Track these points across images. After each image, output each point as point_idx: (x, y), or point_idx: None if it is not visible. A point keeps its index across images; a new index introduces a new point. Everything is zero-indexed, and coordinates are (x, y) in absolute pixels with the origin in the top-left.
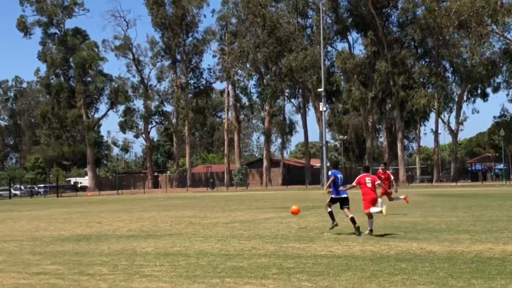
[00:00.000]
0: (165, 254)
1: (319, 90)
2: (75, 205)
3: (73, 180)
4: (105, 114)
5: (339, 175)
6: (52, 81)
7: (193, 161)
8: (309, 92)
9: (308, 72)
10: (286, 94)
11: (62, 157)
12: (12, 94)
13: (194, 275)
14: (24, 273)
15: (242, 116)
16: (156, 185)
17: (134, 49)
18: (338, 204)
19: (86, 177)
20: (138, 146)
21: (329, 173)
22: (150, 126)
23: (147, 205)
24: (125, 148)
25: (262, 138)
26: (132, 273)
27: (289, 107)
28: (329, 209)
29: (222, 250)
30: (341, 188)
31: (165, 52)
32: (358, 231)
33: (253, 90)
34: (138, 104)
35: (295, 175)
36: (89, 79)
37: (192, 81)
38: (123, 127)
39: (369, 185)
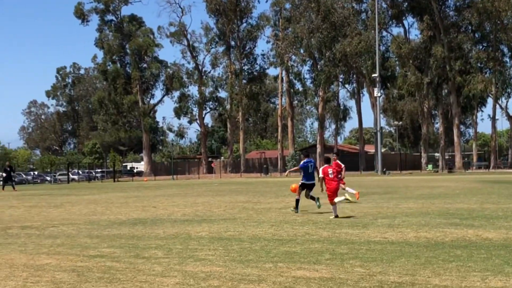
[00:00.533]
0: (219, 239)
1: (373, 75)
2: (131, 189)
3: (129, 165)
4: (161, 100)
5: (311, 164)
6: (108, 67)
7: (246, 147)
8: (364, 78)
9: (363, 57)
10: (340, 80)
11: (118, 143)
12: (70, 81)
13: (247, 259)
14: (82, 256)
15: (295, 102)
16: (210, 170)
17: (188, 36)
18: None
19: (142, 162)
20: (192, 132)
21: (302, 162)
22: (204, 112)
23: (201, 190)
24: (180, 134)
25: (316, 124)
26: (186, 257)
27: (343, 93)
28: (298, 197)
29: (275, 235)
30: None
31: (219, 38)
32: (296, 209)
33: (307, 76)
34: (193, 90)
35: (349, 161)
36: (144, 65)
37: (246, 67)
38: (178, 113)
39: (331, 176)
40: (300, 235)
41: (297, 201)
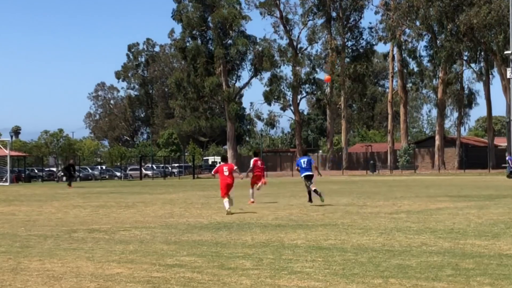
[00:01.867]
0: (317, 248)
1: (506, 52)
2: (213, 188)
3: (211, 159)
4: (248, 83)
5: (303, 159)
6: (188, 44)
7: (349, 138)
8: (494, 56)
9: (493, 31)
10: (465, 58)
11: (198, 132)
12: (143, 59)
13: (351, 273)
14: (157, 265)
15: (409, 85)
16: None
17: (281, 6)
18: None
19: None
20: (285, 121)
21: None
22: (299, 96)
23: (296, 190)
24: (271, 123)
25: (434, 112)
26: (279, 269)
27: (468, 74)
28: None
29: (385, 245)
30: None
31: (318, 8)
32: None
33: (424, 53)
34: (286, 70)
35: (475, 157)
36: (229, 41)
37: (349, 43)
38: (269, 97)
39: (226, 173)
40: (415, 245)
41: (309, 192)
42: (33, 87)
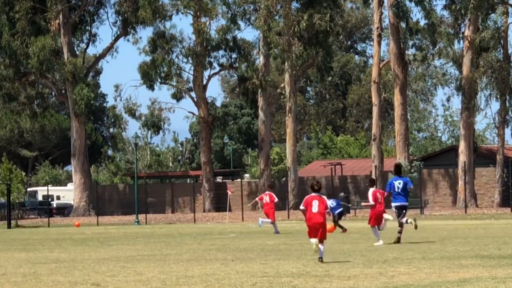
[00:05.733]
0: None
1: None
2: (48, 245)
3: (41, 190)
4: (111, 48)
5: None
6: None
7: (301, 151)
8: None
9: None
10: None
11: (18, 142)
12: None
13: None
14: None
15: (410, 52)
16: (220, 202)
17: None
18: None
19: (69, 186)
20: (180, 118)
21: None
22: (207, 73)
23: (202, 249)
24: (154, 123)
25: (456, 101)
26: None
27: None
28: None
29: None
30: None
31: None
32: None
33: None
34: (182, 24)
35: None
36: None
37: None
38: (150, 75)
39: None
40: None
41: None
42: None
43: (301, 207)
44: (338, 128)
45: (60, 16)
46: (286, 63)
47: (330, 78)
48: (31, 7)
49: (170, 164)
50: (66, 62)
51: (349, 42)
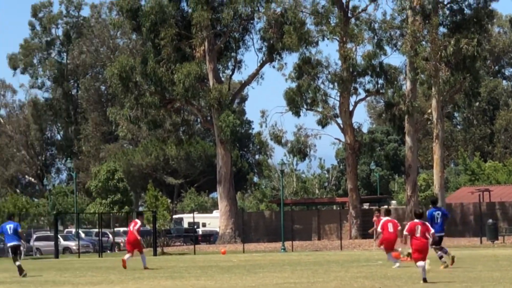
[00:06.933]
0: None
1: None
2: (207, 271)
3: (186, 217)
4: (256, 74)
5: (9, 225)
6: (143, 1)
7: (449, 177)
8: None
9: None
10: None
11: (164, 169)
12: (60, 32)
13: None
14: None
15: None
16: (365, 230)
17: None
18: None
19: (215, 213)
20: (326, 145)
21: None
22: (353, 99)
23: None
24: (300, 149)
25: None
26: None
27: None
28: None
29: None
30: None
31: None
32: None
33: None
34: (328, 50)
35: None
36: None
37: None
38: (295, 101)
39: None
40: None
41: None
42: None
43: (405, 232)
44: (486, 154)
45: (205, 43)
46: (433, 89)
47: (477, 104)
48: (176, 33)
49: (316, 191)
50: (212, 89)
51: (496, 67)
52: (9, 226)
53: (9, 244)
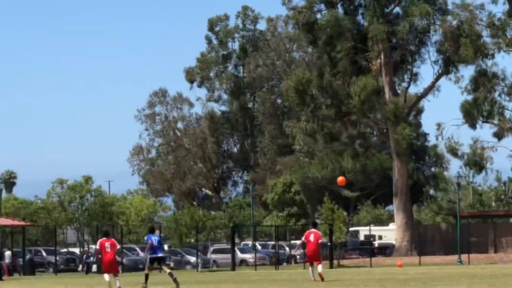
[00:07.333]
0: None
1: None
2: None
3: (363, 230)
4: (432, 87)
5: (154, 238)
6: (319, 15)
7: None
8: None
9: None
10: None
11: (333, 182)
12: (236, 46)
13: None
14: None
15: None
16: None
17: None
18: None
19: (390, 226)
20: (503, 157)
21: (145, 238)
22: None
23: None
24: (476, 162)
25: None
26: None
27: None
28: (147, 272)
29: None
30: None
31: None
32: (176, 282)
33: None
34: (504, 63)
35: None
36: (397, 10)
37: None
38: (471, 114)
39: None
40: None
41: (147, 275)
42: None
43: None
44: None
45: (382, 56)
46: None
47: None
48: (352, 47)
49: (493, 204)
50: (388, 102)
51: None
52: (154, 238)
53: (155, 256)
